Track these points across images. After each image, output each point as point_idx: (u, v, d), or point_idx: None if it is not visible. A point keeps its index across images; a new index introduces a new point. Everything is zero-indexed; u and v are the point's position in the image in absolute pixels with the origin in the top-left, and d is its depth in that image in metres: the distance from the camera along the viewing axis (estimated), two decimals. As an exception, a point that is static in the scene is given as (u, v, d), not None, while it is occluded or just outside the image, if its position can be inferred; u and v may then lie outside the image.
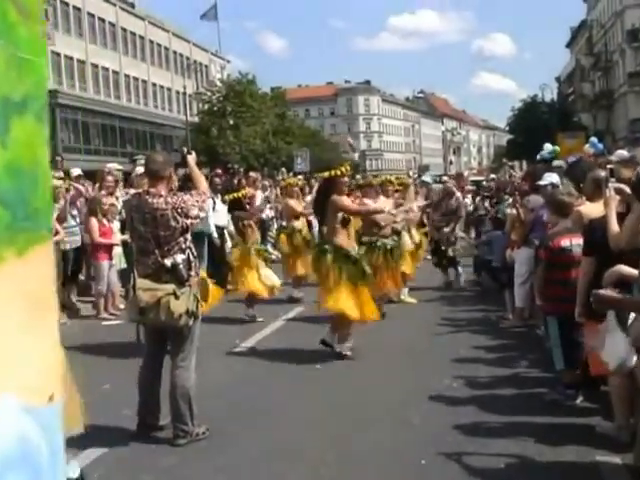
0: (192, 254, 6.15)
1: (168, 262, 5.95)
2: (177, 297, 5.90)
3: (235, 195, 11.71)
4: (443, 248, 14.19)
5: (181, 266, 5.97)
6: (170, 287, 5.92)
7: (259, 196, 20.37)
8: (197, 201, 6.15)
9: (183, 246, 6.06)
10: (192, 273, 6.09)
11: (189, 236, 6.18)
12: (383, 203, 10.86)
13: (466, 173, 15.17)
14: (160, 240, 5.99)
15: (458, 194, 15.09)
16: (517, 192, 10.46)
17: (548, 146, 16.20)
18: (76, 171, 14.04)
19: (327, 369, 8.41)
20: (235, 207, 11.58)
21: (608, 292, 4.54)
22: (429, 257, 15.04)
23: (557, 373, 7.04)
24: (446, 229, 14.23)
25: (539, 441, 5.85)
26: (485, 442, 5.90)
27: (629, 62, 63.12)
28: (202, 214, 6.27)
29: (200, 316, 6.26)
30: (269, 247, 20.02)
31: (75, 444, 6.09)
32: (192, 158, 6.59)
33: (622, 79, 64.35)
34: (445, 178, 16.80)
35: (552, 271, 6.71)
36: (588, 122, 67.69)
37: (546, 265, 6.78)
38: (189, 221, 6.06)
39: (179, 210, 6.00)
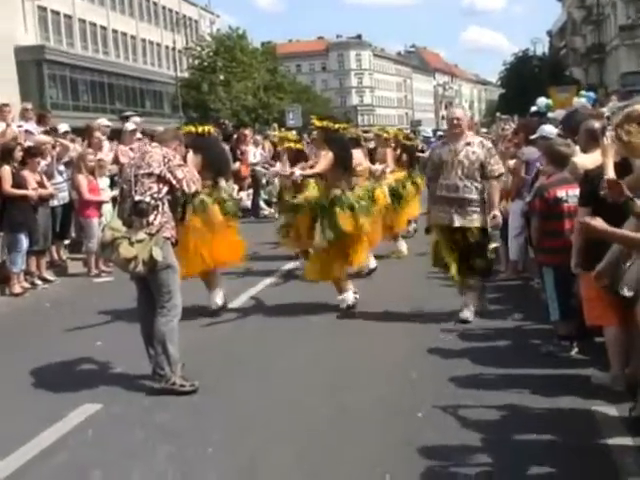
0: (163, 210, 6.21)
1: (136, 197, 6.13)
2: (131, 243, 6.02)
3: None
4: (472, 240, 7.97)
5: (145, 205, 6.11)
6: (130, 232, 6.08)
7: (251, 151, 20.35)
8: (188, 172, 6.36)
9: (156, 195, 6.16)
10: (156, 222, 6.14)
11: (165, 192, 6.22)
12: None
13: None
14: (138, 179, 6.17)
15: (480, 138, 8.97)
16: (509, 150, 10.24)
17: (542, 100, 16.03)
18: (63, 127, 13.85)
19: (322, 323, 8.38)
20: None
21: (599, 222, 4.53)
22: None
23: (552, 325, 7.02)
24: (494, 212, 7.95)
25: (534, 392, 5.84)
26: (481, 394, 5.89)
27: (621, 15, 62.57)
28: (185, 188, 6.31)
29: (176, 268, 6.36)
30: (262, 203, 20.08)
31: (69, 401, 6.14)
32: (190, 158, 7.05)
33: (614, 32, 63.85)
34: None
35: (547, 222, 6.65)
36: (580, 76, 67.33)
37: (541, 216, 6.72)
38: (169, 175, 6.18)
39: (166, 160, 6.21)
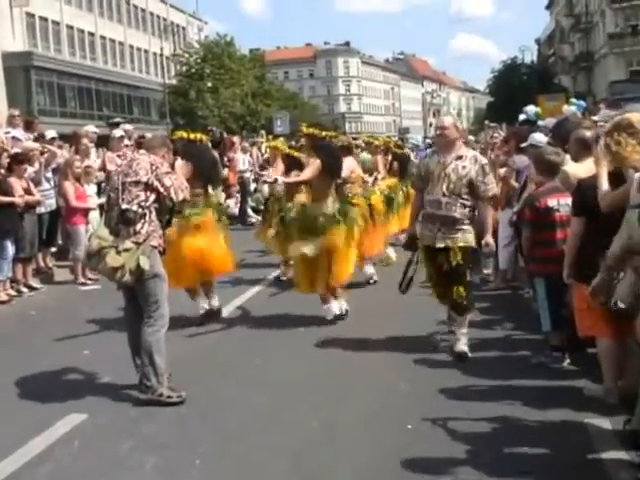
0: (151, 218, 6.14)
1: (123, 205, 6.05)
2: (118, 252, 5.96)
3: None
4: (454, 263, 7.11)
5: (132, 214, 6.04)
6: (117, 241, 6.01)
7: (240, 159, 20.31)
8: (175, 180, 6.26)
9: (143, 203, 6.09)
10: (143, 231, 6.07)
11: (152, 200, 6.15)
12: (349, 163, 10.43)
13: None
14: (125, 186, 6.10)
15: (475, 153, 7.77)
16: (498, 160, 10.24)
17: (532, 108, 16.01)
18: (50, 133, 13.78)
19: (311, 333, 8.29)
20: None
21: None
22: None
23: (543, 335, 6.97)
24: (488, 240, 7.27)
25: (526, 404, 5.78)
26: (471, 405, 5.83)
27: (609, 23, 62.71)
28: (173, 196, 6.23)
29: (164, 277, 6.28)
30: (249, 210, 20.01)
31: (55, 410, 6.05)
32: (178, 165, 6.88)
33: (602, 40, 64.05)
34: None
35: (539, 232, 6.61)
36: (568, 84, 67.59)
37: (533, 225, 6.67)
38: (157, 183, 6.11)
39: (154, 167, 6.14)
